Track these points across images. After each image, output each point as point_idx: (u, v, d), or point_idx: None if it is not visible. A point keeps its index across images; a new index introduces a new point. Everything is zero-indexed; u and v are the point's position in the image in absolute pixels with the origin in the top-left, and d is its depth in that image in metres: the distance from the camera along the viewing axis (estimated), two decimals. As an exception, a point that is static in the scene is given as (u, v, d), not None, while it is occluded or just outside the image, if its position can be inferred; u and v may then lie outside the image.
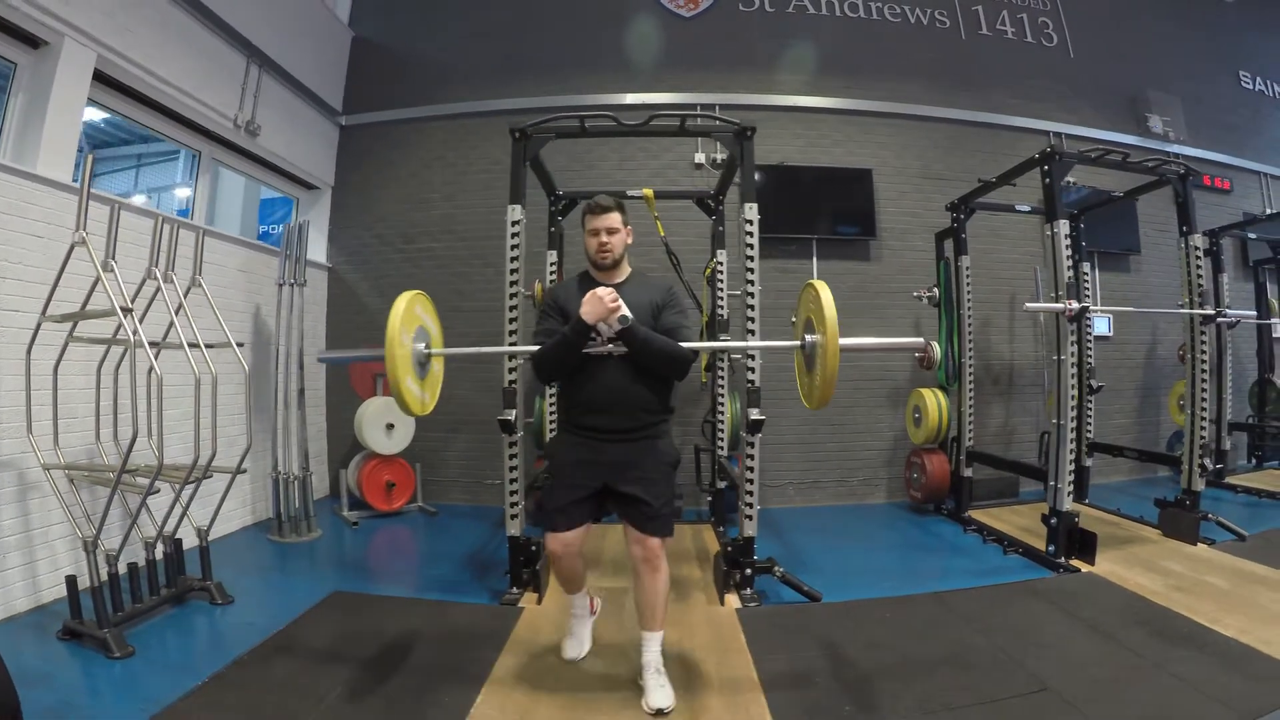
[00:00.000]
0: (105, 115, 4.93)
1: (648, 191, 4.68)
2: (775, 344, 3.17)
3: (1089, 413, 5.61)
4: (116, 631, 3.09)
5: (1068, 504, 4.11)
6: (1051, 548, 4.16)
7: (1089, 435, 5.60)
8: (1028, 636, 3.12)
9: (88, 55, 3.91)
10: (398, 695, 2.67)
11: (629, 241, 2.75)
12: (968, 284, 5.41)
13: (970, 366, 5.43)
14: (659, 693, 2.55)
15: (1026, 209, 5.12)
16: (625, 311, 2.45)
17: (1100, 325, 6.72)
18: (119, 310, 3.13)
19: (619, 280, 2.71)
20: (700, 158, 6.27)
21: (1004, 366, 6.49)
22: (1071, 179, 6.35)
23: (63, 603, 3.31)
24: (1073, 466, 5.49)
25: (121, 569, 3.36)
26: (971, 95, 6.61)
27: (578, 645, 2.96)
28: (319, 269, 6.44)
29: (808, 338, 2.51)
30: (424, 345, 2.62)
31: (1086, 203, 5.83)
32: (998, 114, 6.61)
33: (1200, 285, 4.46)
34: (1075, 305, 4.05)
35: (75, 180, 3.70)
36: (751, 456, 3.91)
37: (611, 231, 2.67)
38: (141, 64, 4.30)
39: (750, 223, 3.93)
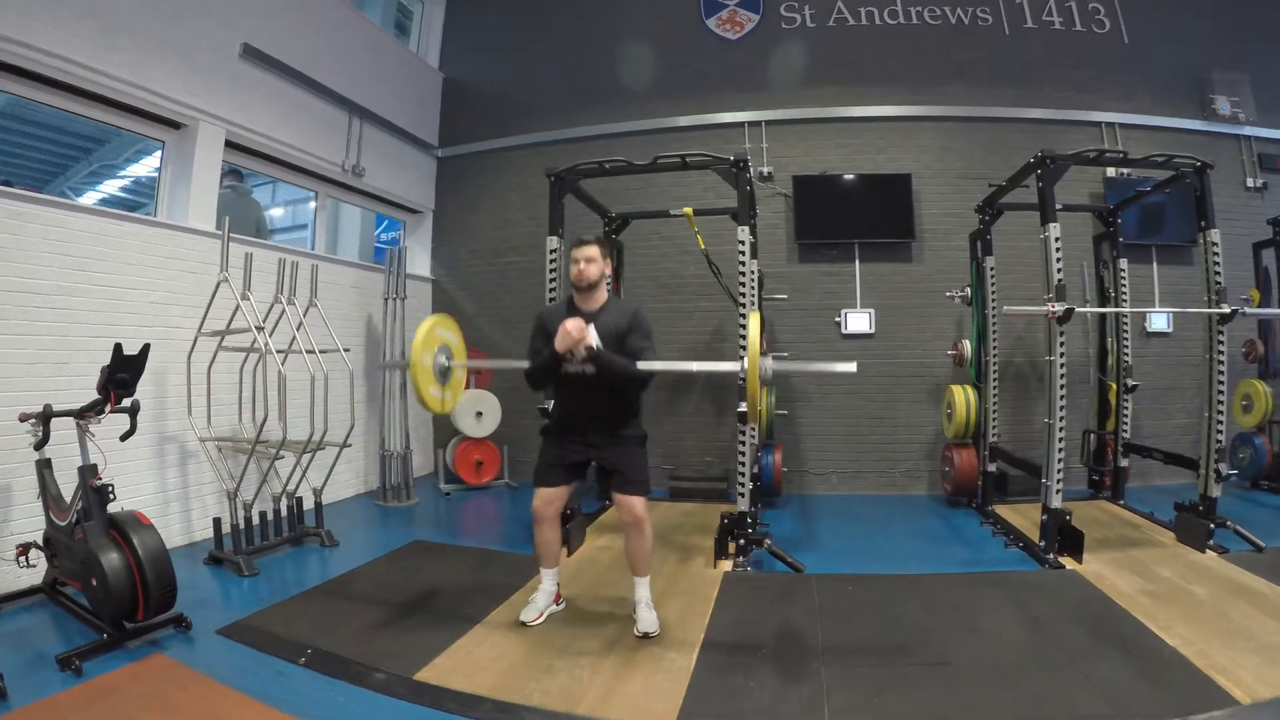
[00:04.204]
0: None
1: (688, 210, 5.21)
2: (719, 366, 3.61)
3: (1125, 413, 5.47)
4: (248, 558, 4.29)
5: (1057, 502, 4.24)
6: (1042, 543, 4.29)
7: (1125, 435, 5.46)
8: (966, 619, 3.35)
9: (219, 131, 5.13)
10: (418, 613, 3.60)
11: (607, 271, 3.28)
12: (992, 284, 5.49)
13: (995, 365, 5.51)
14: (645, 622, 3.22)
15: (1058, 207, 5.09)
16: (591, 341, 3.03)
17: (1158, 322, 6.44)
18: (254, 329, 4.35)
19: (596, 305, 3.24)
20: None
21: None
22: (1126, 172, 6.17)
23: (209, 540, 4.56)
24: (1107, 466, 5.55)
25: (256, 519, 4.57)
26: (1017, 91, 6.52)
27: (533, 611, 3.41)
28: (424, 281, 7.66)
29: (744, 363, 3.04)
30: (445, 358, 3.42)
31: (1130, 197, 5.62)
32: (1045, 108, 6.46)
33: (1218, 284, 4.34)
34: (1060, 307, 4.18)
35: (216, 228, 4.90)
36: (743, 444, 4.45)
37: (589, 260, 3.20)
38: (263, 132, 5.52)
39: (743, 244, 4.49)
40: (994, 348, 5.51)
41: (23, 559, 3.52)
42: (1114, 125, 6.47)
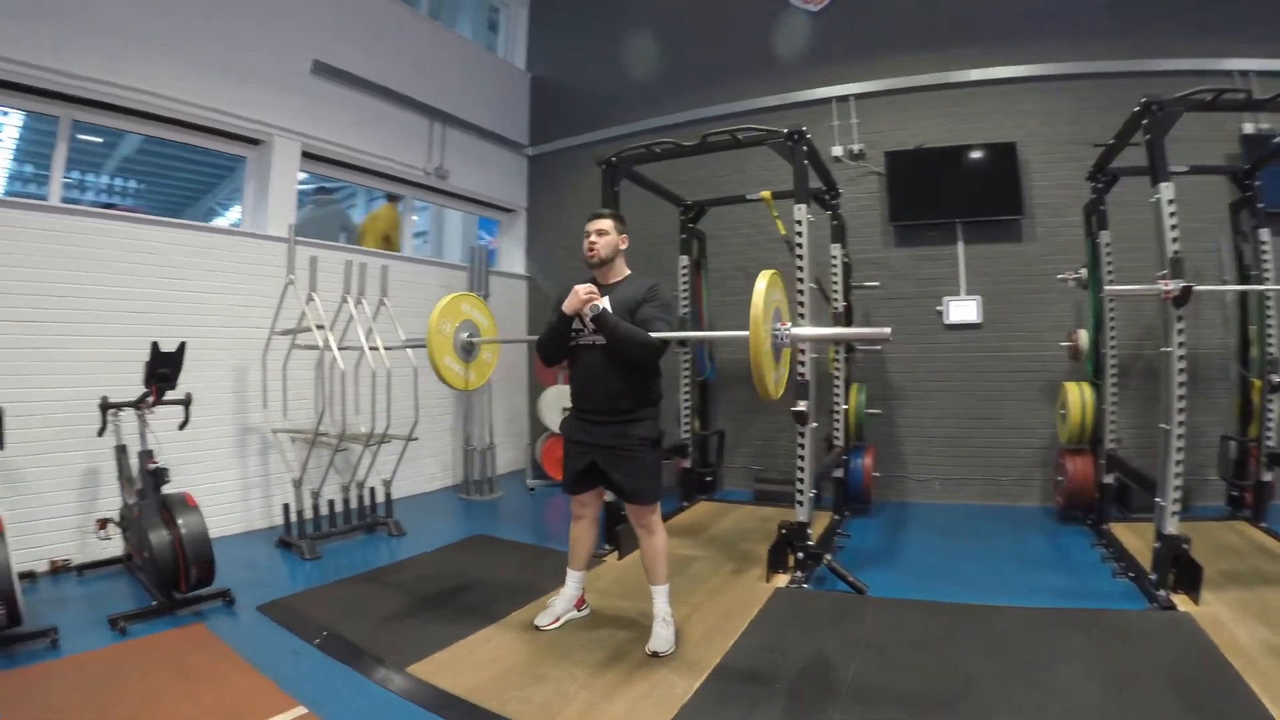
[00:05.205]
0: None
1: (765, 194, 4.94)
2: (730, 334, 3.21)
3: (1270, 415, 4.40)
4: (310, 543, 4.56)
5: (1173, 526, 3.46)
6: (1153, 576, 3.54)
7: (1269, 443, 4.40)
8: (1034, 670, 2.77)
9: (294, 145, 5.49)
10: (442, 606, 3.63)
11: (622, 246, 3.13)
12: (1109, 262, 4.64)
13: (1114, 358, 4.66)
14: (656, 639, 3.00)
15: (1183, 169, 4.17)
16: (598, 303, 2.90)
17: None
18: (314, 328, 4.60)
19: (614, 280, 3.12)
20: (838, 150, 6.20)
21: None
22: (1268, 127, 5.02)
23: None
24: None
25: (325, 508, 4.86)
26: (1131, 42, 5.47)
27: (548, 616, 3.31)
28: (519, 279, 7.83)
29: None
30: (467, 334, 3.44)
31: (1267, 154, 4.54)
32: (1165, 58, 5.35)
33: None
34: (1175, 286, 3.42)
35: (302, 235, 5.28)
36: (802, 445, 4.05)
37: (601, 233, 3.08)
38: (338, 142, 5.86)
39: (799, 223, 4.09)
40: (1111, 338, 4.67)
41: (101, 532, 3.92)
42: (1248, 73, 5.21)
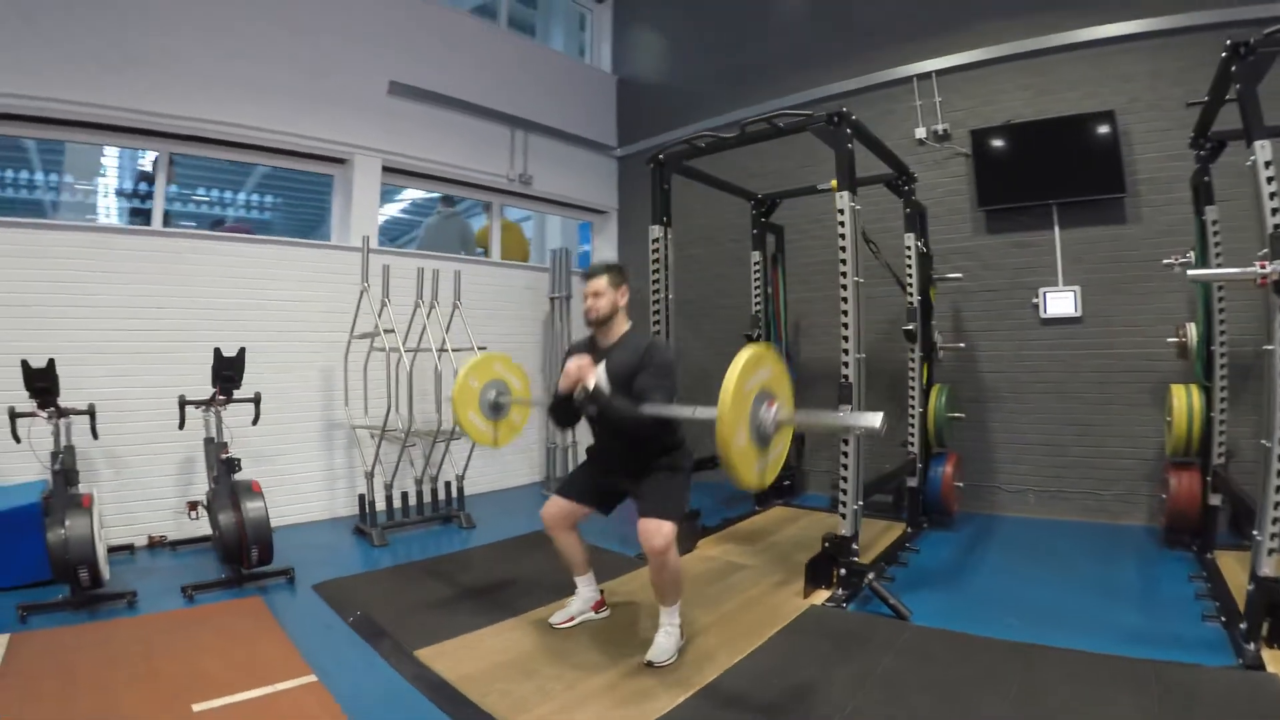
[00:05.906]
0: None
1: (834, 184, 4.75)
2: (707, 413, 2.73)
3: None
4: (380, 531, 4.91)
5: (1271, 567, 2.82)
6: (1243, 626, 2.91)
7: None
8: None
9: (374, 161, 5.92)
10: (476, 598, 3.78)
11: (621, 302, 3.08)
12: (1216, 243, 3.93)
13: (1223, 356, 3.94)
14: (654, 649, 2.97)
15: None
16: (589, 383, 2.85)
17: None
18: (382, 333, 4.97)
19: (612, 340, 3.08)
20: (921, 133, 5.77)
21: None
22: None
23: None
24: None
25: (398, 500, 5.21)
26: None
27: (562, 615, 3.36)
28: (607, 279, 7.92)
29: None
30: (495, 393, 3.55)
31: None
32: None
33: None
34: (1274, 269, 2.79)
35: (379, 245, 5.73)
36: (846, 454, 3.84)
37: (597, 294, 3.03)
38: (418, 156, 6.25)
39: (842, 212, 3.89)
40: (1222, 332, 3.96)
41: (192, 513, 4.42)
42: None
